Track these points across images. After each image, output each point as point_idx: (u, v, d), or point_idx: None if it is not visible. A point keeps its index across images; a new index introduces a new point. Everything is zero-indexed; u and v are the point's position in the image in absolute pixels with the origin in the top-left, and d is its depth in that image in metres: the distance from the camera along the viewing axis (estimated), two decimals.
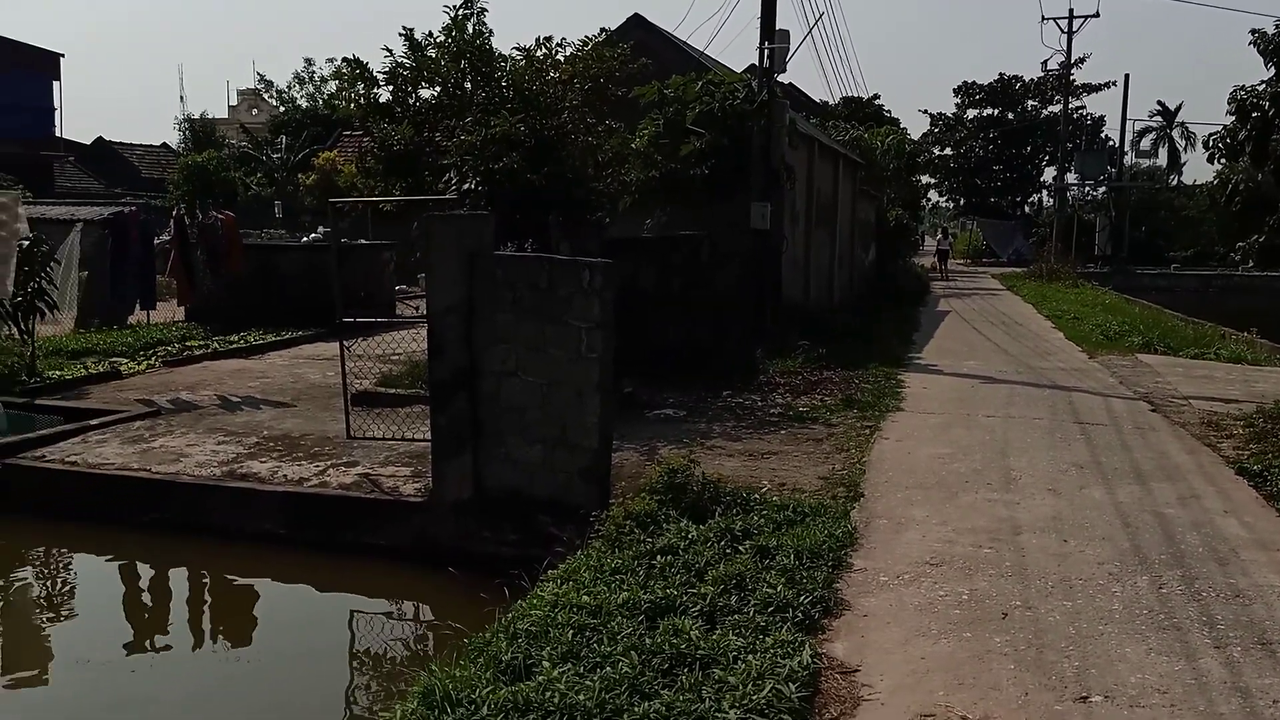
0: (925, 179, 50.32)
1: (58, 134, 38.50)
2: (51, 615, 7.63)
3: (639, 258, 12.63)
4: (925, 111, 73.84)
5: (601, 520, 6.56)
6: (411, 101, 12.31)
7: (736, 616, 4.82)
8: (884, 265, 31.18)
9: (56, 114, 38.25)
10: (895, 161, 31.13)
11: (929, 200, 62.00)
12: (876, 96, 45.41)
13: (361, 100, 12.35)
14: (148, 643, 7.02)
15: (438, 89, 12.35)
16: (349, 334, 10.00)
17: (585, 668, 4.21)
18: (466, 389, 7.65)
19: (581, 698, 3.89)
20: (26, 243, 11.84)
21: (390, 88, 12.31)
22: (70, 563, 8.64)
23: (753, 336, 13.77)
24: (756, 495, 7.08)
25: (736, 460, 8.69)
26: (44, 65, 37.76)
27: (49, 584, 8.33)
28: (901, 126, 40.69)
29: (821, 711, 4.16)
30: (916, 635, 4.98)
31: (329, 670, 6.46)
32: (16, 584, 8.32)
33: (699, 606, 4.91)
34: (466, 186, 11.06)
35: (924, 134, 57.70)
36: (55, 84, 38.17)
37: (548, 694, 3.93)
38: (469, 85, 12.23)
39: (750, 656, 4.30)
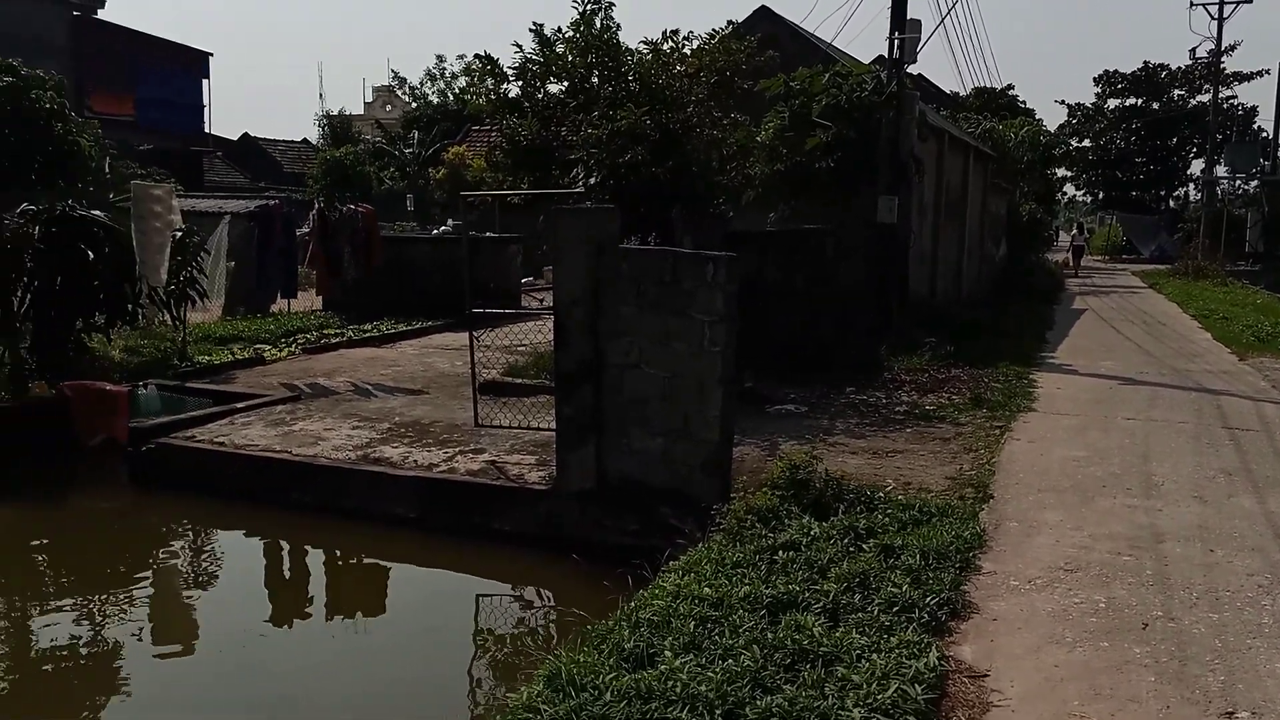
0: (1061, 172, 48.48)
1: (207, 130, 40.61)
2: (198, 588, 8.06)
3: (762, 251, 12.57)
4: (1062, 102, 70.99)
5: (722, 514, 6.57)
6: (539, 96, 12.52)
7: (860, 615, 4.77)
8: (1015, 261, 30.17)
9: (206, 111, 40.38)
10: (1029, 154, 30.06)
11: (1064, 194, 59.66)
12: (1010, 87, 44.02)
13: (491, 95, 12.63)
14: (285, 617, 7.35)
15: (565, 84, 12.53)
16: (477, 325, 10.26)
17: (707, 659, 4.23)
18: (591, 380, 7.75)
19: (703, 688, 3.91)
20: (180, 233, 12.51)
21: (519, 83, 12.55)
22: (216, 538, 9.12)
23: (877, 332, 13.54)
24: (881, 494, 6.97)
25: (860, 458, 8.56)
26: (194, 64, 39.89)
27: (196, 558, 8.82)
28: (1036, 118, 39.30)
29: (948, 715, 4.08)
30: (1049, 642, 4.83)
31: (454, 649, 6.66)
32: (167, 557, 8.85)
33: (821, 603, 4.87)
34: (592, 180, 11.20)
35: (1060, 125, 55.57)
36: (205, 82, 40.29)
37: (669, 683, 3.96)
38: (596, 80, 12.36)
39: (874, 656, 4.25)
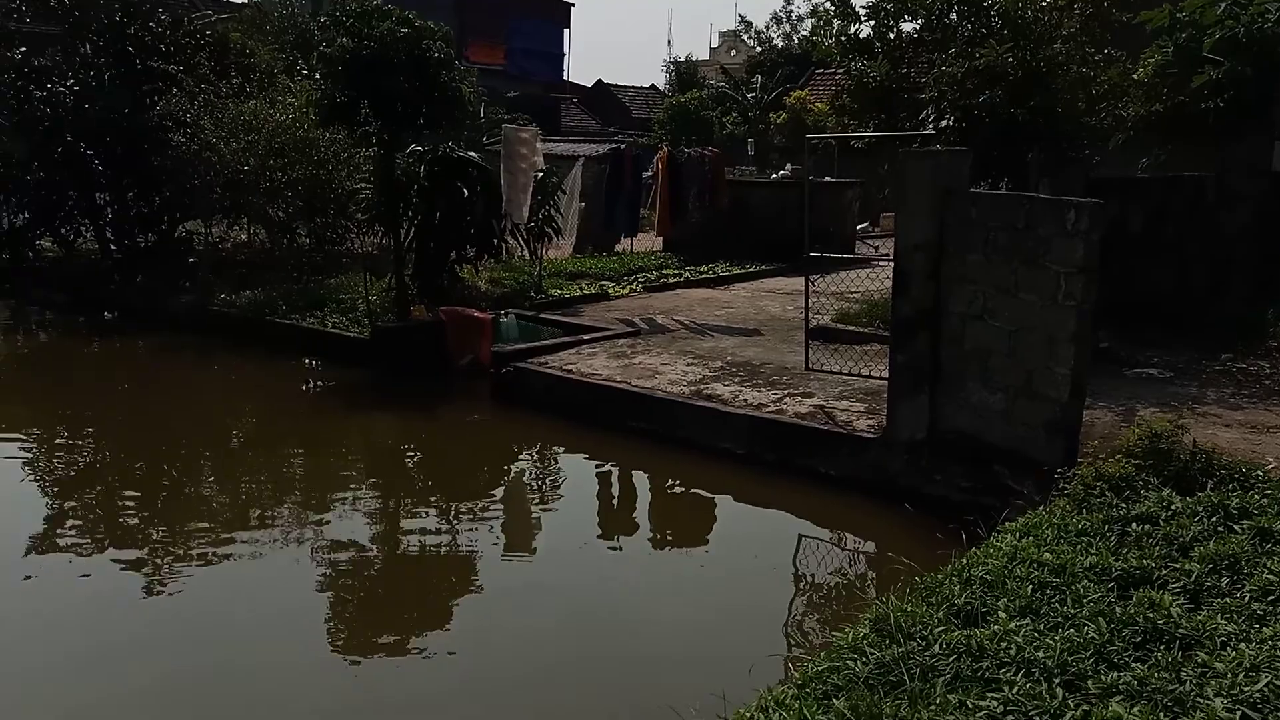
0: None
1: (565, 78, 43.14)
2: (542, 500, 8.78)
3: (1127, 199, 11.44)
4: None
5: (1067, 478, 6.15)
6: (891, 36, 12.10)
7: (1226, 600, 4.31)
8: None
9: (565, 60, 42.88)
10: None
11: None
12: None
13: (841, 37, 12.38)
14: (616, 535, 7.81)
15: (920, 22, 12.01)
16: (811, 269, 10.23)
17: (1045, 625, 4.02)
18: (928, 329, 7.51)
19: (1040, 654, 3.72)
20: (541, 175, 13.46)
21: (871, 23, 12.19)
22: (560, 456, 9.86)
23: (1262, 293, 11.96)
24: (1259, 472, 6.21)
25: (1234, 431, 7.67)
26: (559, 15, 42.41)
27: (543, 472, 9.60)
28: None
29: None
30: None
31: (773, 583, 6.78)
32: (517, 469, 9.70)
33: (1181, 583, 4.44)
34: (943, 123, 10.72)
35: None
36: (565, 32, 42.73)
37: (1003, 644, 3.81)
38: (954, 16, 11.74)
39: (1242, 645, 3.83)
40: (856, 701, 3.34)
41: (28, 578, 6.54)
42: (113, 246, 16.87)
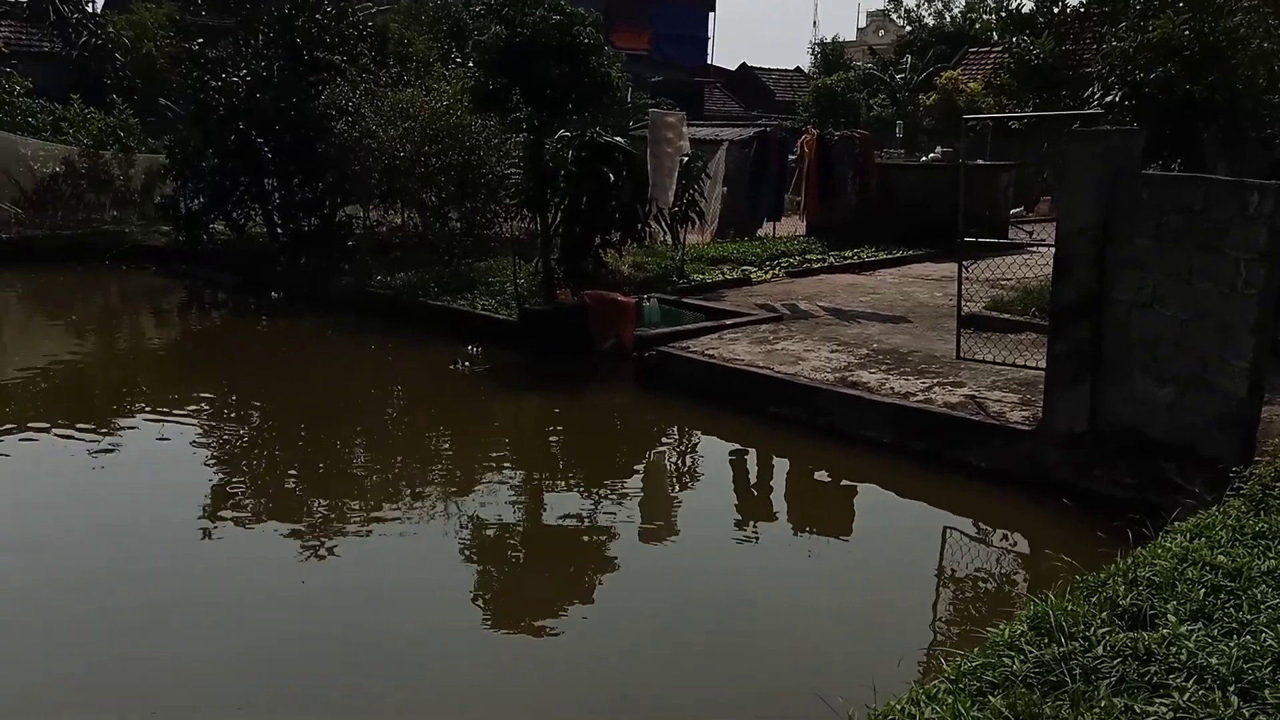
0: None
1: (709, 62, 43.01)
2: (681, 482, 8.82)
3: None
4: None
5: (1243, 477, 5.78)
6: (1056, 10, 11.57)
7: None
8: None
9: (709, 43, 42.73)
10: None
11: None
12: None
13: (1001, 12, 11.92)
14: (755, 522, 7.77)
15: None
16: (964, 255, 9.92)
17: (1219, 631, 3.79)
18: (1090, 317, 7.18)
19: (1214, 661, 3.52)
20: (686, 159, 13.46)
21: None
22: (701, 440, 9.88)
23: None
24: None
25: None
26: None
27: (683, 455, 9.64)
28: None
29: None
30: None
31: (918, 577, 6.63)
32: (658, 451, 9.76)
33: None
34: (1109, 99, 10.20)
35: None
36: (710, 15, 42.57)
37: (1173, 649, 3.61)
38: None
39: None
40: (1014, 700, 3.23)
41: (205, 536, 6.97)
42: (279, 230, 17.76)
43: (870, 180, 16.80)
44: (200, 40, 18.18)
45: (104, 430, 9.59)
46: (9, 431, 9.33)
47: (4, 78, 20.94)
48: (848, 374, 9.44)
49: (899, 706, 3.23)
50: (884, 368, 9.63)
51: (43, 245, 18.84)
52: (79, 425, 9.55)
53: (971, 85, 30.20)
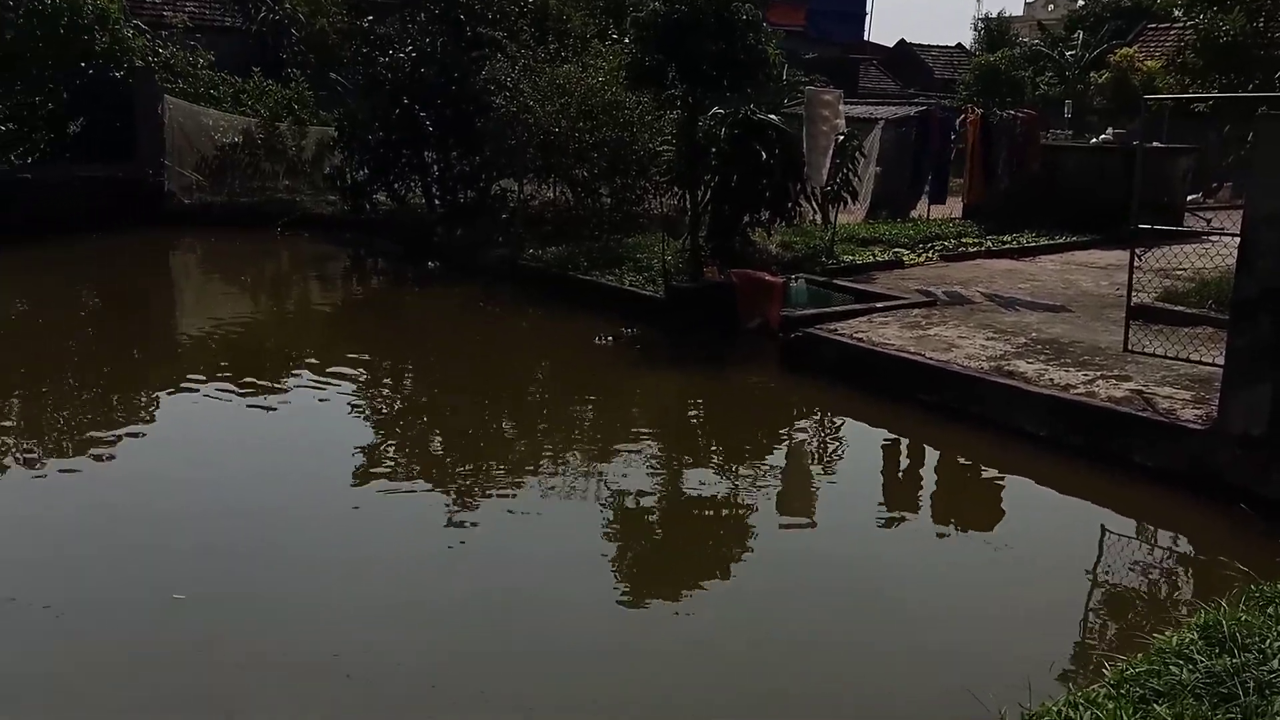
0: None
1: (865, 38, 41.97)
2: (823, 468, 8.70)
3: None
4: None
5: None
6: None
7: None
8: None
9: (867, 20, 41.70)
10: None
11: None
12: None
13: None
14: (898, 509, 7.61)
15: None
16: (1136, 242, 9.41)
17: None
18: (1275, 312, 6.72)
19: None
20: (842, 137, 13.22)
21: None
22: (845, 424, 9.73)
23: None
24: None
25: None
26: None
27: (825, 439, 9.51)
28: None
29: None
30: None
31: (1072, 576, 6.38)
32: (799, 434, 9.68)
33: None
34: None
35: None
36: None
37: None
38: None
39: None
40: (1182, 710, 3.09)
41: (355, 508, 7.29)
42: (437, 201, 18.35)
43: (1031, 162, 16.12)
44: (370, 17, 18.88)
45: (269, 388, 10.15)
46: (185, 388, 9.99)
47: (189, 52, 22.23)
48: (1003, 363, 9.12)
49: (1056, 709, 3.13)
50: (1043, 358, 9.26)
51: (221, 211, 19.99)
52: (247, 382, 10.14)
53: (1148, 63, 28.53)
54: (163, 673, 5.01)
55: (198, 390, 9.87)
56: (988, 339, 10.00)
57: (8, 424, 8.97)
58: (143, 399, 9.95)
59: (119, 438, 8.59)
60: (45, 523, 6.79)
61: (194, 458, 8.15)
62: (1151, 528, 7.09)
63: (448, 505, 7.27)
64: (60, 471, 7.71)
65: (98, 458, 8.01)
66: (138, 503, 7.13)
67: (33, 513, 6.97)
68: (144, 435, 8.84)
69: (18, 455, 8.01)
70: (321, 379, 10.56)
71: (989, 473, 8.24)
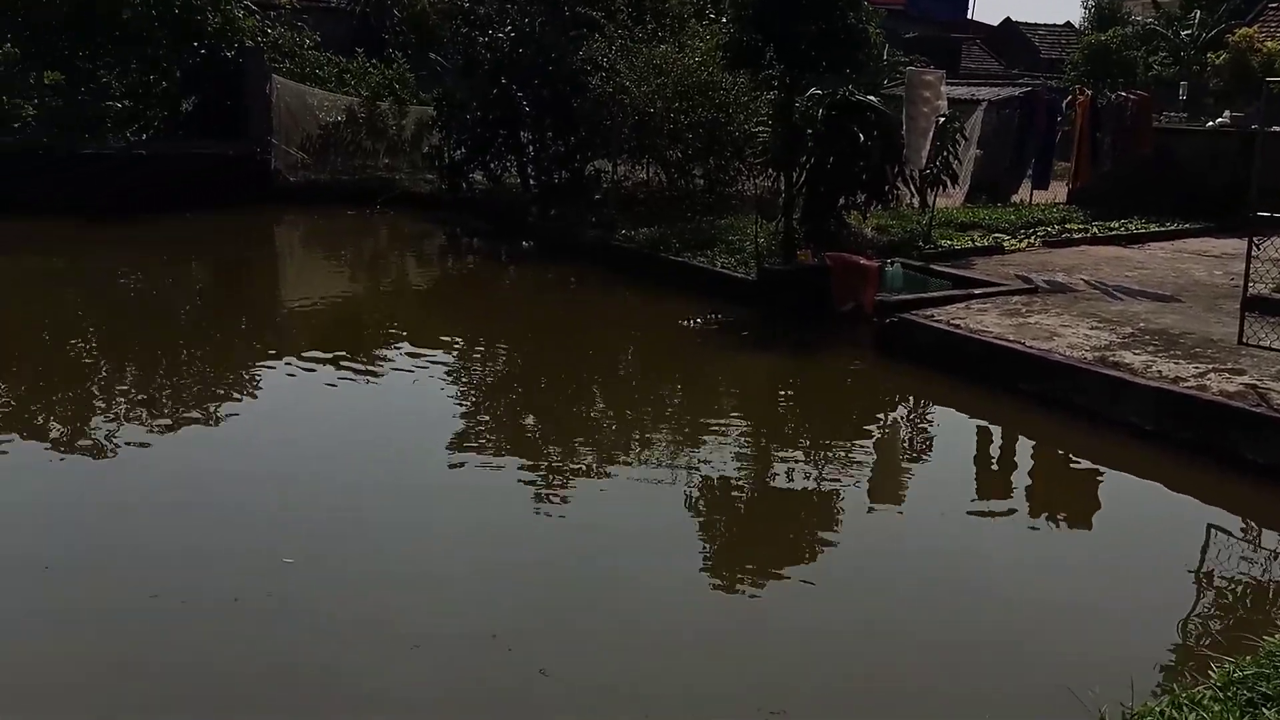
0: None
1: (969, 16, 40.83)
2: (913, 456, 8.56)
3: None
4: None
5: None
6: None
7: None
8: None
9: None
10: None
11: None
12: None
13: None
14: (990, 500, 7.45)
15: None
16: (1255, 230, 9.01)
17: None
18: None
19: None
20: (943, 119, 12.93)
21: None
22: (937, 412, 9.56)
23: None
24: None
25: None
26: None
27: (916, 427, 9.38)
28: None
29: None
30: None
31: (1173, 575, 6.17)
32: (891, 421, 9.55)
33: None
34: None
35: None
36: None
37: None
38: None
39: None
40: None
41: (449, 476, 7.44)
42: (532, 182, 18.54)
43: (1142, 146, 15.53)
44: None
45: (366, 361, 10.42)
46: (287, 360, 10.33)
47: (296, 32, 22.81)
48: (1108, 353, 8.85)
49: (1159, 709, 3.04)
50: (1150, 349, 8.96)
51: (323, 189, 20.51)
52: (345, 356, 10.42)
53: (1269, 44, 27.22)
54: (277, 635, 5.22)
55: (299, 363, 10.19)
56: (1092, 328, 9.71)
57: (123, 389, 9.40)
58: (248, 370, 10.30)
59: (225, 406, 8.96)
60: (163, 482, 7.11)
61: (293, 427, 8.44)
62: (1262, 528, 6.82)
63: (536, 479, 7.38)
64: (168, 436, 8.07)
65: (204, 423, 8.36)
66: (243, 470, 7.40)
67: (150, 477, 7.31)
68: (248, 404, 9.17)
69: (132, 419, 8.38)
70: (417, 353, 10.79)
71: (1090, 466, 8.00)
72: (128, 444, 7.80)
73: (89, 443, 7.83)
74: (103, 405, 8.88)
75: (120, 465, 7.47)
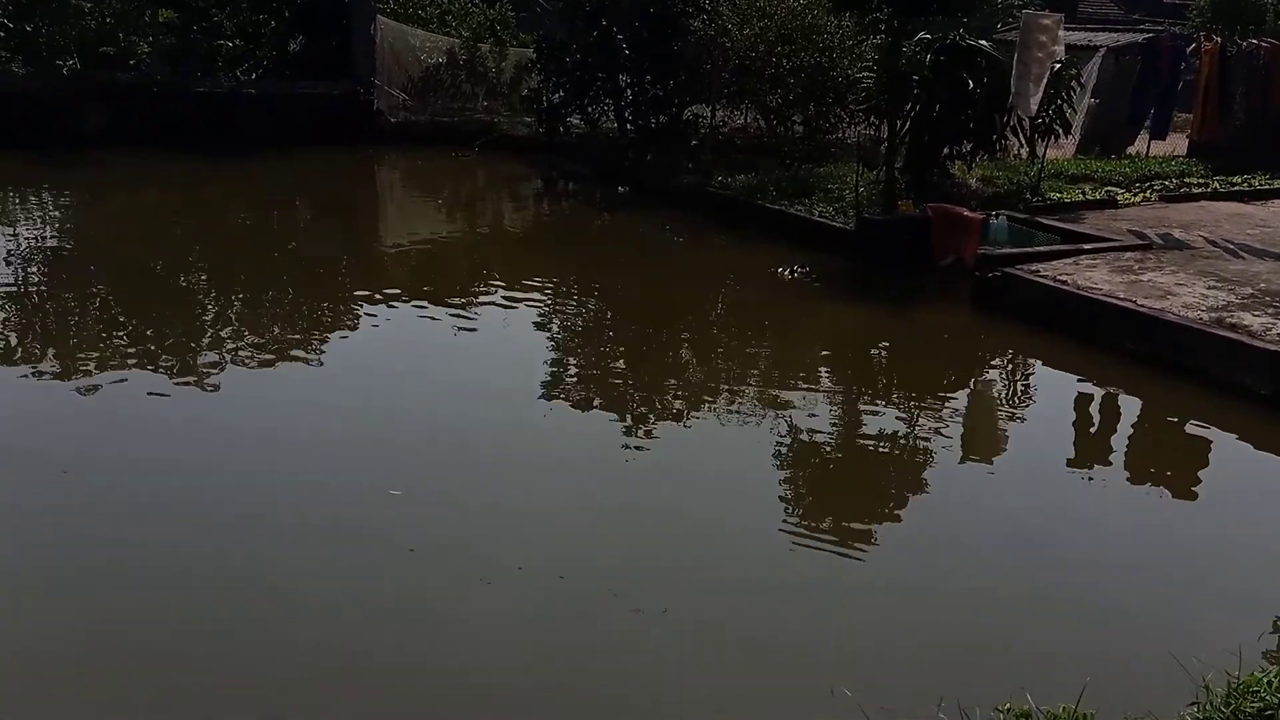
0: None
1: None
2: (1010, 412, 8.36)
3: None
4: None
5: None
6: None
7: None
8: None
9: None
10: None
11: None
12: None
13: None
14: (1090, 463, 7.20)
15: None
16: None
17: None
18: None
19: None
20: (1058, 65, 12.39)
21: None
22: (1038, 370, 9.31)
23: None
24: None
25: None
26: None
27: (1013, 384, 9.13)
28: None
29: None
30: None
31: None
32: (989, 378, 9.33)
33: None
34: None
35: None
36: None
37: None
38: None
39: None
40: None
41: (542, 417, 7.54)
42: (628, 126, 18.40)
43: (1275, 98, 14.68)
44: None
45: (461, 304, 10.54)
46: (381, 299, 10.55)
47: None
48: (1225, 314, 8.47)
49: (1267, 680, 2.94)
50: (1271, 311, 8.55)
51: (422, 130, 20.70)
52: (441, 296, 10.59)
53: None
54: (378, 563, 5.41)
55: (399, 301, 10.41)
56: (1209, 288, 9.30)
57: (230, 324, 9.72)
58: (348, 307, 10.54)
59: (326, 341, 9.26)
60: (276, 413, 7.39)
61: (391, 364, 8.64)
62: None
63: (623, 424, 7.43)
64: (273, 370, 8.35)
65: (305, 360, 8.62)
66: (345, 406, 7.58)
67: (259, 409, 7.59)
68: (349, 340, 9.41)
69: (236, 356, 8.68)
70: (511, 295, 10.90)
71: (1202, 431, 7.70)
72: (237, 376, 8.11)
73: (202, 375, 8.12)
74: (224, 338, 9.19)
75: (229, 399, 7.77)
